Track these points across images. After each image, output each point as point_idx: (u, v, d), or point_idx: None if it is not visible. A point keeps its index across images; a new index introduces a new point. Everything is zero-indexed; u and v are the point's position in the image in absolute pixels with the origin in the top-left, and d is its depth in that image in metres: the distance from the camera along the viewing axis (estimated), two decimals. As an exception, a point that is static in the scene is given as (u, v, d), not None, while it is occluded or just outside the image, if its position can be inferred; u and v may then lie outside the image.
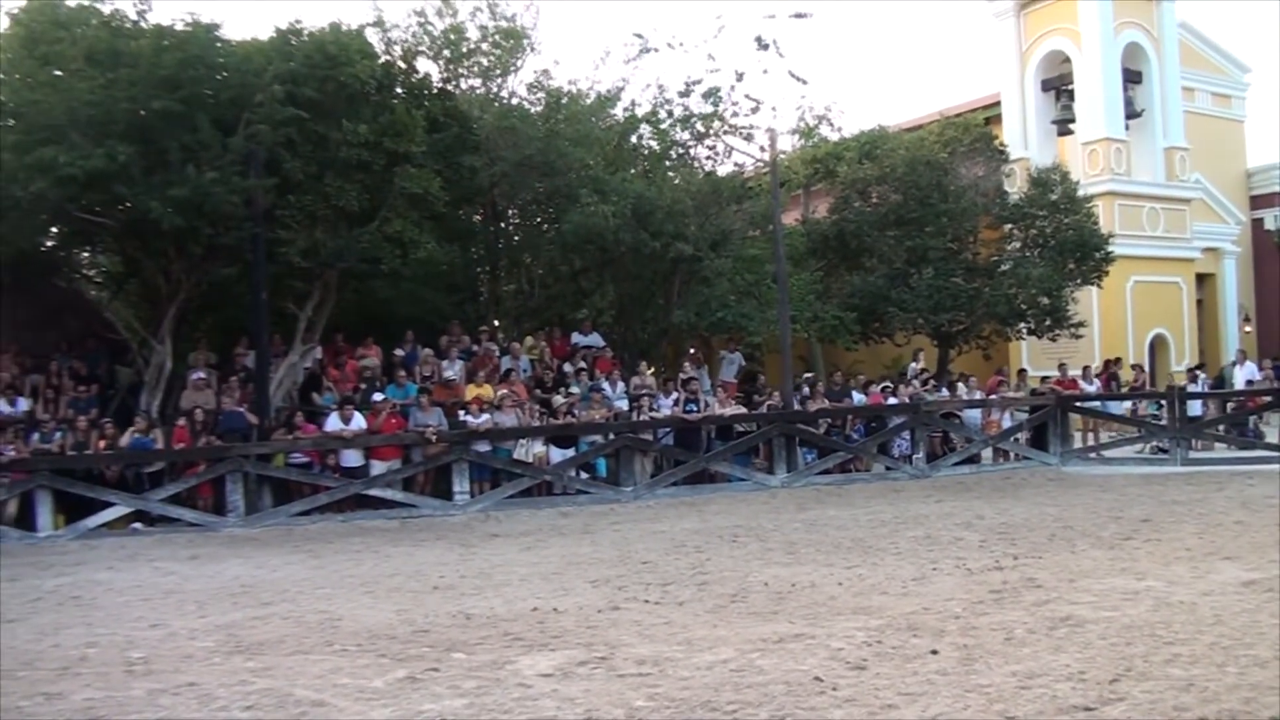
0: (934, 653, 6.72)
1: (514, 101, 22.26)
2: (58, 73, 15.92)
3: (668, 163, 23.78)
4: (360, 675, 6.79)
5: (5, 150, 15.14)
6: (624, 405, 18.00)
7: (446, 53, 21.77)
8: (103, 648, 7.94)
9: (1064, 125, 29.79)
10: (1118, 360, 24.25)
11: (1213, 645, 6.69)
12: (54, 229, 18.08)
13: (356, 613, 8.82)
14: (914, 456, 18.67)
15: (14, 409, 16.38)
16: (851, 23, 70.39)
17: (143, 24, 16.64)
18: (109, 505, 15.21)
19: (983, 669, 6.33)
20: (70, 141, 15.00)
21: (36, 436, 15.69)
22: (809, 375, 21.25)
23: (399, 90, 18.48)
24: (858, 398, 19.66)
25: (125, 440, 15.63)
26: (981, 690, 5.90)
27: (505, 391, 17.29)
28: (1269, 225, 33.49)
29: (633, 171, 22.44)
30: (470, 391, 17.29)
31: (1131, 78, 29.12)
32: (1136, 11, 29.02)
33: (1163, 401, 20.48)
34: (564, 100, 22.23)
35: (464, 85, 22.13)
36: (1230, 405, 20.80)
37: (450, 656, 7.16)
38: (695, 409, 17.87)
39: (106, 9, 16.66)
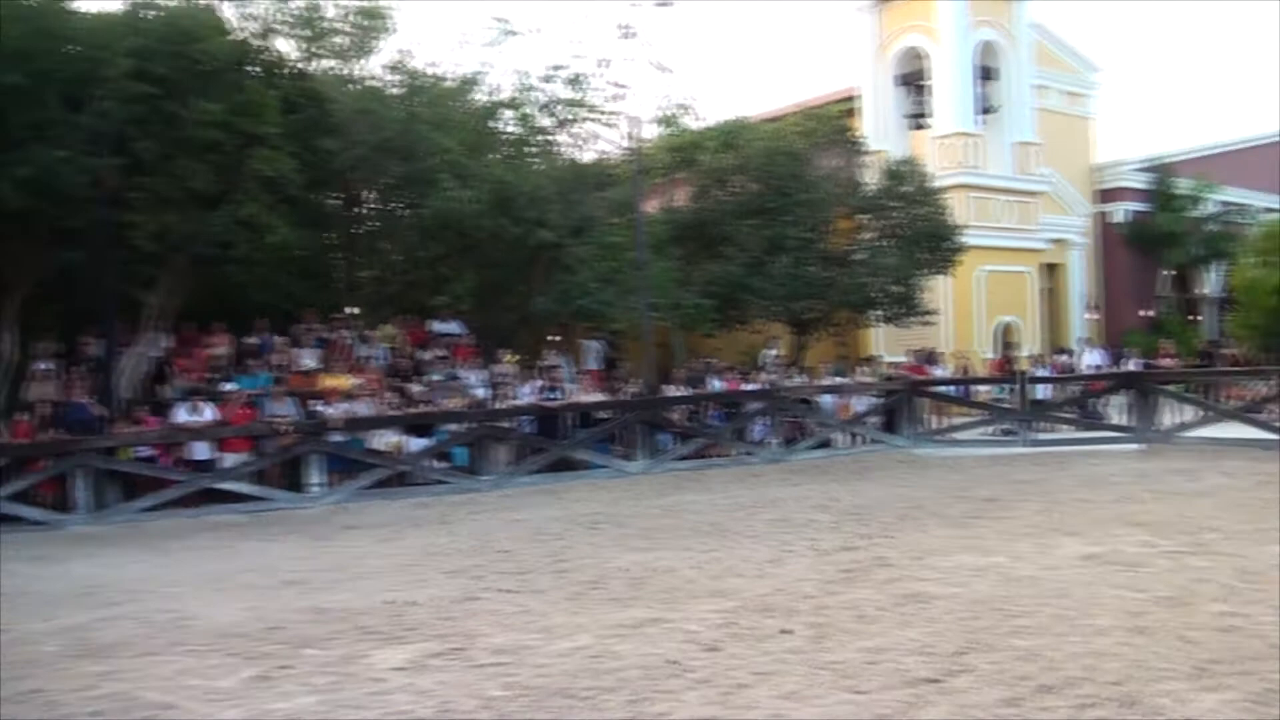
0: (786, 632, 6.85)
1: (373, 83, 21.86)
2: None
3: (529, 148, 23.65)
4: (210, 675, 6.63)
5: None
6: (484, 393, 17.88)
7: (303, 31, 21.24)
8: (-60, 653, 7.60)
9: (918, 119, 30.58)
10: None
11: (1055, 616, 6.96)
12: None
13: (207, 611, 8.59)
14: (770, 441, 18.97)
15: None
16: (714, 13, 71.03)
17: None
18: (-54, 504, 14.51)
19: (833, 646, 6.48)
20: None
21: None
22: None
23: (254, 69, 17.95)
24: (716, 384, 19.88)
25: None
26: (832, 667, 6.04)
27: (361, 380, 17.01)
28: (1115, 218, 34.92)
29: (494, 157, 22.26)
30: (325, 381, 16.96)
31: (986, 74, 30.03)
32: (991, 10, 29.91)
33: (1010, 385, 21.22)
34: (424, 83, 21.91)
35: (321, 65, 21.63)
36: (1074, 389, 21.63)
37: (302, 653, 7.03)
38: (556, 396, 17.85)
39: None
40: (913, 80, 30.68)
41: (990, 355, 28.03)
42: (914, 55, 30.39)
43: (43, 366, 16.27)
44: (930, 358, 22.79)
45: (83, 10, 16.46)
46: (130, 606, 9.02)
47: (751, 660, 6.26)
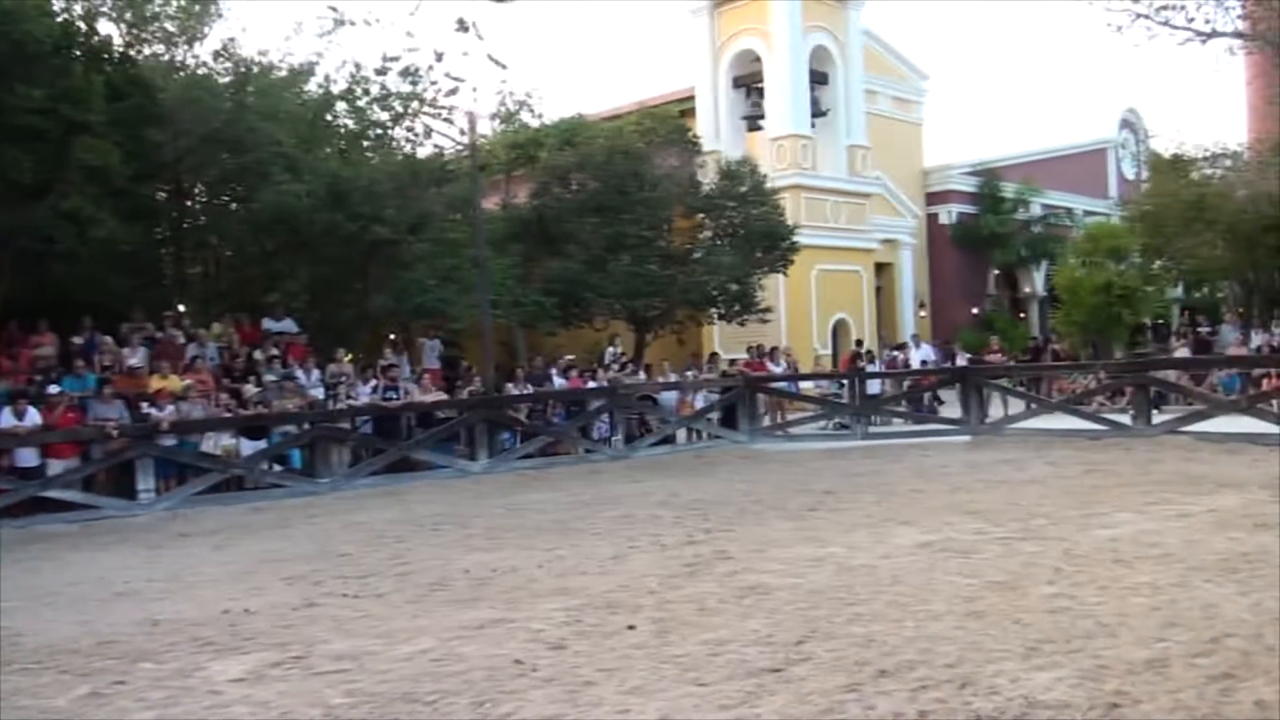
0: (631, 628, 6.92)
1: (200, 71, 21.21)
2: None
3: (365, 143, 23.30)
4: (42, 694, 6.35)
5: None
6: (320, 394, 17.53)
7: (129, 15, 20.48)
8: None
9: (754, 121, 31.14)
10: (860, 342, 25.66)
11: (891, 603, 7.19)
12: None
13: (37, 626, 8.21)
14: (613, 438, 19.10)
15: None
16: (553, 11, 71.00)
17: None
18: None
19: (677, 640, 6.57)
20: None
21: None
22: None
23: (78, 53, 17.19)
24: (558, 381, 19.91)
25: None
26: (676, 660, 6.13)
27: (191, 381, 16.49)
28: (943, 220, 36.23)
29: (328, 150, 21.86)
30: (155, 382, 16.38)
31: (818, 78, 30.76)
32: (824, 16, 30.64)
33: (844, 381, 21.82)
34: (253, 71, 21.36)
35: (147, 51, 20.89)
36: (906, 383, 22.35)
37: (137, 667, 6.80)
38: (395, 396, 17.62)
39: None
40: (748, 83, 31.24)
41: (824, 351, 28.73)
42: (749, 58, 30.95)
43: None
44: (769, 354, 23.23)
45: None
46: (-48, 624, 8.58)
47: (597, 657, 6.31)
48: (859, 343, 26.01)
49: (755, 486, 14.13)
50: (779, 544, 9.71)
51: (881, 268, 33.91)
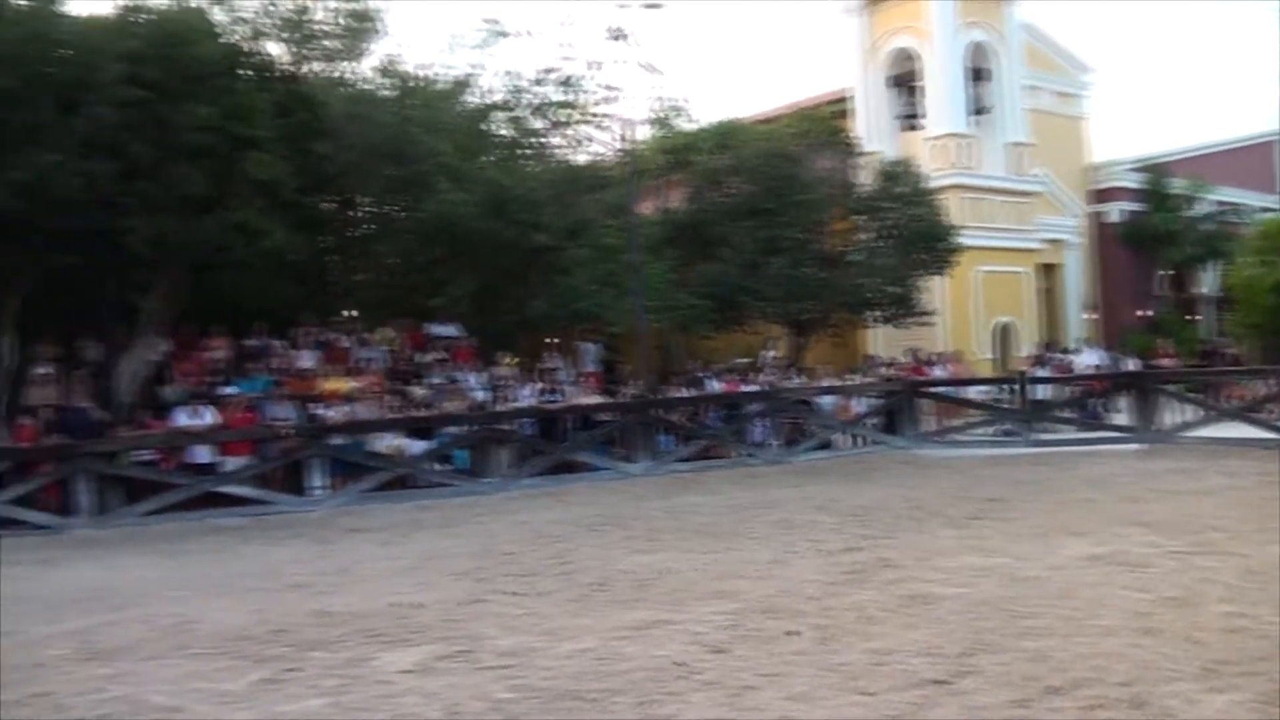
0: (792, 634, 6.85)
1: (364, 86, 21.85)
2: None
3: (523, 151, 23.66)
4: (217, 679, 6.62)
5: None
6: (483, 396, 17.88)
7: (293, 34, 21.23)
8: (-52, 659, 7.59)
9: (911, 121, 30.62)
10: (1050, 345, 25.02)
11: (1061, 617, 6.95)
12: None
13: (212, 614, 8.58)
14: (771, 442, 18.98)
15: None
16: (705, 14, 71.05)
17: (-20, -1, 15.87)
18: (-51, 510, 14.48)
19: (839, 648, 6.47)
20: (-98, 120, 14.23)
21: None
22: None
23: (245, 72, 17.90)
24: (714, 385, 19.88)
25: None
26: (838, 668, 6.04)
27: (361, 383, 17.00)
28: (1109, 218, 34.99)
29: (488, 159, 22.26)
30: (325, 384, 16.95)
31: (977, 75, 30.06)
32: (981, 11, 29.94)
33: (1011, 386, 21.27)
34: (415, 85, 21.91)
35: (312, 69, 21.63)
36: (1074, 389, 21.67)
37: (309, 656, 7.03)
38: (555, 399, 17.85)
39: (-59, -22, 15.85)
40: (904, 82, 30.72)
41: (989, 356, 28.06)
42: (905, 56, 30.43)
43: (42, 370, 16.25)
44: (932, 359, 22.80)
45: (74, 14, 16.43)
46: (135, 610, 9.00)
47: (758, 662, 6.26)
48: (1048, 345, 25.22)
49: (917, 493, 13.87)
50: (943, 552, 9.50)
51: (1046, 269, 32.92)
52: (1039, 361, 23.60)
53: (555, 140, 23.98)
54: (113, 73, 15.20)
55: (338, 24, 21.66)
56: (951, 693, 5.55)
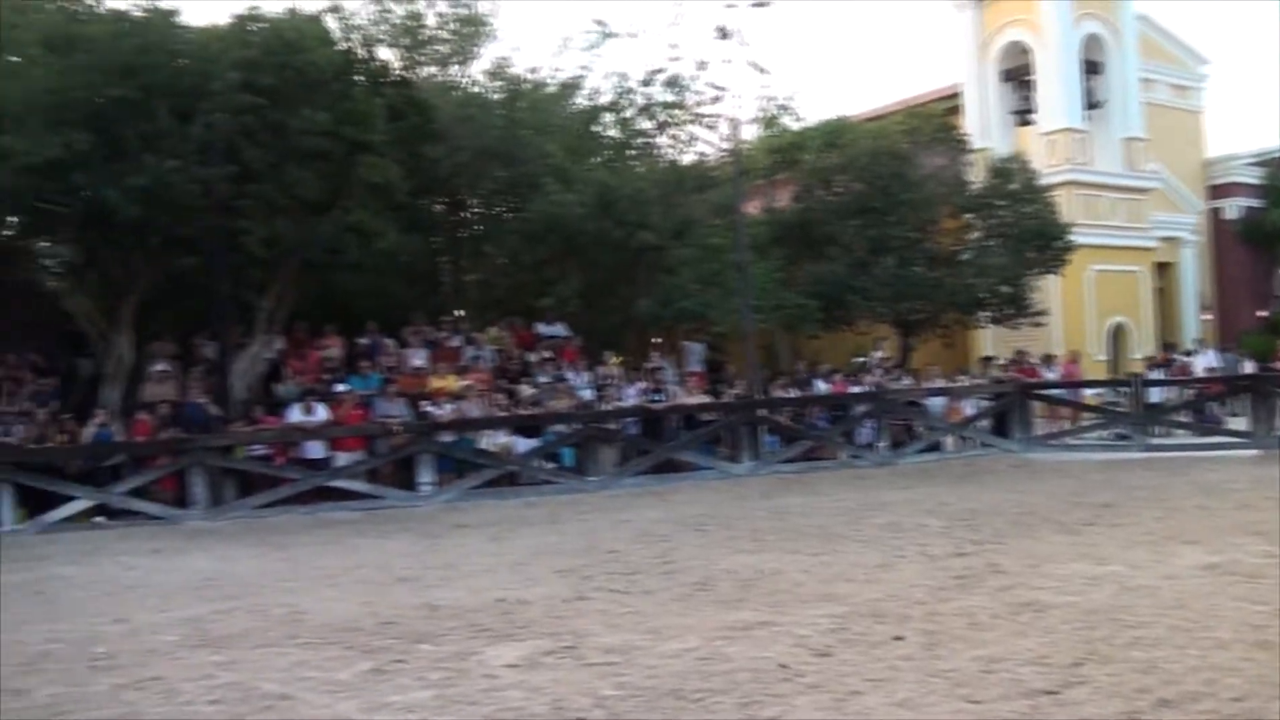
0: (898, 639, 6.75)
1: (474, 89, 22.14)
2: (13, 59, 15.70)
3: (631, 151, 23.74)
4: (326, 668, 6.75)
5: (-40, 138, 14.90)
6: (589, 395, 17.98)
7: (405, 40, 21.61)
8: (66, 643, 7.85)
9: (1024, 116, 30.04)
10: (1172, 346, 24.28)
11: (1174, 628, 6.74)
12: (11, 218, 17.84)
13: (322, 605, 8.76)
14: (878, 444, 18.77)
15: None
16: (814, 11, 70.58)
17: (99, 10, 16.43)
18: (71, 499, 15.04)
19: (946, 654, 6.36)
20: (26, 129, 14.78)
21: (-5, 430, 15.52)
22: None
23: (358, 78, 18.30)
24: (821, 386, 19.72)
25: (87, 433, 15.47)
26: (945, 675, 5.93)
27: (469, 382, 17.23)
28: (1228, 215, 33.89)
29: (596, 160, 22.38)
30: (434, 382, 17.22)
31: (1091, 69, 29.40)
32: (1095, 3, 29.30)
33: (1124, 388, 20.73)
34: (524, 88, 22.13)
35: (423, 73, 21.98)
36: (1190, 392, 21.06)
37: (416, 648, 7.13)
38: (660, 398, 17.88)
39: (63, -6, 16.47)
40: (1017, 76, 30.15)
41: (1102, 357, 27.40)
42: (1017, 50, 29.85)
43: (159, 368, 16.80)
44: (1045, 360, 22.33)
45: (190, 24, 16.95)
46: (247, 599, 9.23)
47: (864, 666, 6.18)
48: (1169, 346, 24.54)
49: (1028, 497, 13.57)
50: (1054, 559, 9.26)
51: (1161, 267, 32.02)
52: (1159, 364, 22.93)
53: (662, 140, 24.02)
54: (229, 80, 15.66)
55: (449, 29, 21.99)
56: (1060, 703, 5.41)
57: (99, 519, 15.21)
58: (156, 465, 15.57)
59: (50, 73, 15.09)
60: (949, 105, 30.30)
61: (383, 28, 21.36)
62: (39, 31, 15.57)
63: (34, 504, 15.01)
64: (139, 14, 16.23)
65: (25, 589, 10.38)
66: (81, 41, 15.50)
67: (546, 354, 18.92)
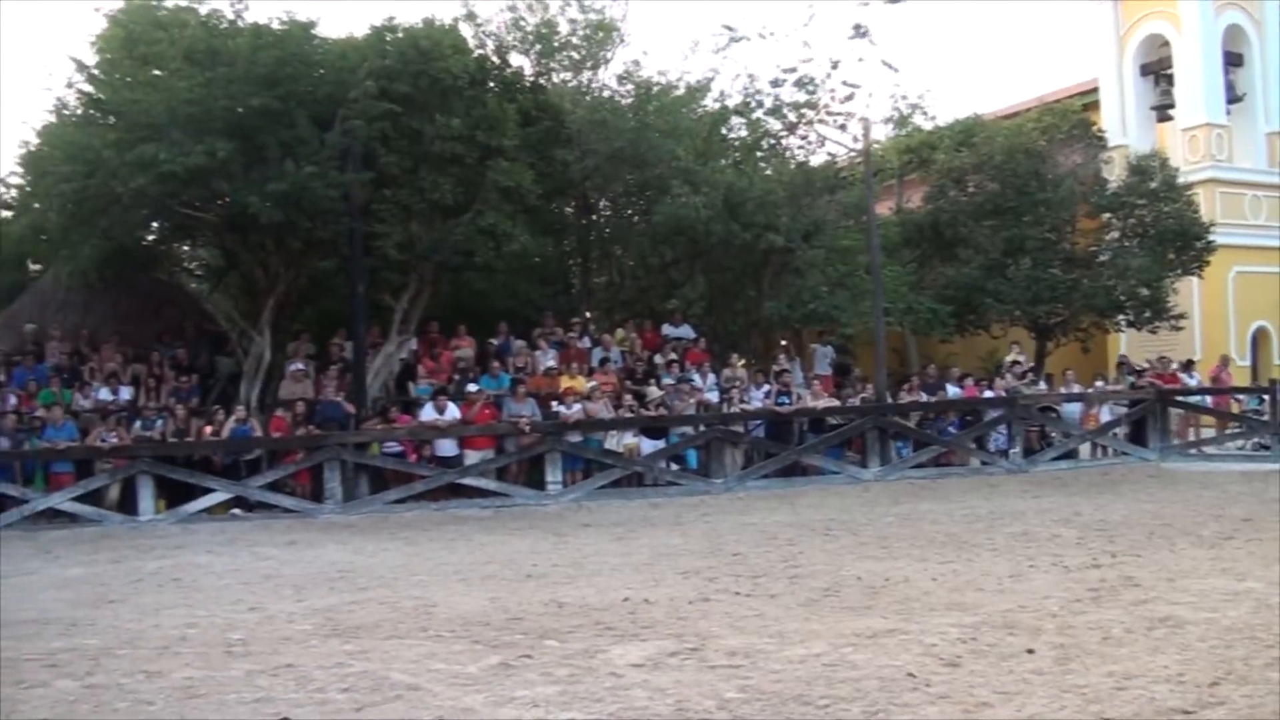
0: (1030, 651, 6.62)
1: (604, 94, 22.32)
2: (157, 72, 16.41)
3: (759, 153, 23.66)
4: (455, 661, 6.89)
5: (107, 148, 15.57)
6: (715, 397, 17.98)
7: (538, 46, 21.91)
8: (202, 628, 8.16)
9: (1163, 111, 29.07)
10: None
11: (1316, 650, 6.50)
12: (155, 224, 18.63)
13: (451, 599, 8.94)
14: (1010, 451, 18.39)
15: (117, 397, 16.91)
16: (946, 8, 69.31)
17: (240, 23, 17.06)
18: (209, 491, 15.64)
19: (1079, 669, 6.22)
20: (170, 139, 15.41)
21: (138, 424, 16.18)
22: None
23: (491, 84, 18.68)
24: (953, 390, 19.38)
25: (226, 429, 16.03)
26: (1078, 690, 5.80)
27: (597, 382, 17.38)
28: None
29: (724, 162, 22.37)
30: (563, 382, 17.41)
31: (1232, 60, 28.29)
32: (1238, -9, 28.18)
33: (1265, 397, 19.95)
34: (654, 92, 22.23)
35: (555, 79, 22.25)
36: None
37: (543, 644, 7.24)
38: (787, 401, 17.79)
39: (204, 9, 17.16)
40: (1156, 70, 29.17)
41: (1244, 363, 26.39)
42: (1157, 43, 28.87)
43: (296, 367, 17.32)
44: (1186, 365, 21.60)
45: (328, 36, 17.47)
46: (378, 591, 9.48)
47: (993, 678, 6.08)
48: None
49: (1165, 509, 13.17)
50: (1191, 574, 8.98)
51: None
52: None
53: (791, 141, 23.88)
54: (366, 89, 16.12)
55: (580, 35, 22.21)
56: (1195, 724, 5.27)
57: (236, 511, 15.78)
58: (292, 460, 16.07)
59: (193, 85, 15.71)
60: (1086, 101, 29.45)
61: (516, 35, 21.68)
62: (181, 45, 16.21)
63: (173, 496, 15.66)
64: (278, 27, 16.78)
65: (164, 576, 10.81)
66: (223, 55, 16.12)
67: (673, 355, 18.97)
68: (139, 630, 8.17)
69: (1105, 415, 19.64)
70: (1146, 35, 28.96)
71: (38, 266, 21.04)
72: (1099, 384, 20.42)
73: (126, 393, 17.13)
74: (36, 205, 18.11)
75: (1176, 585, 8.50)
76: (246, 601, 9.22)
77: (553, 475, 16.32)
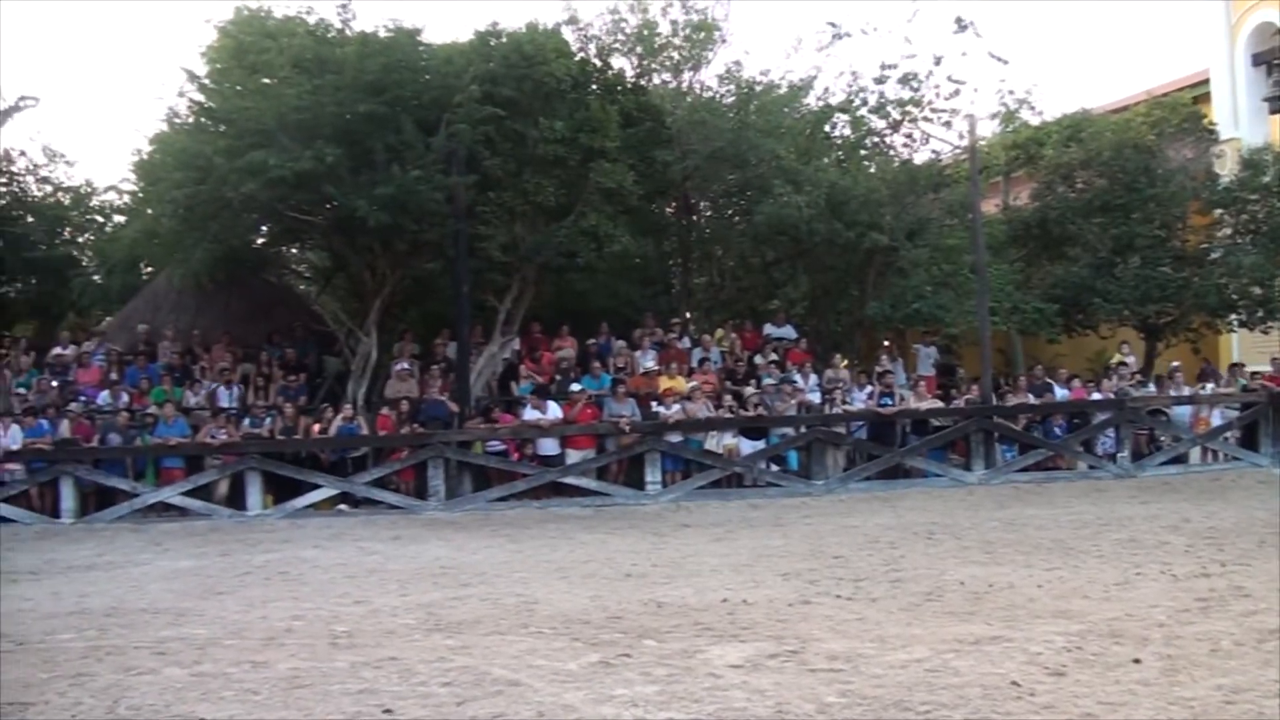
0: (1136, 661, 6.52)
1: (705, 94, 22.33)
2: (266, 80, 16.84)
3: (862, 151, 23.46)
4: (555, 658, 6.98)
5: (218, 154, 16.02)
6: (816, 398, 17.89)
7: (639, 48, 22.00)
8: (308, 621, 8.37)
9: (1277, 102, 28.12)
10: None
11: None
12: (264, 227, 19.16)
13: (552, 597, 9.05)
14: (1118, 455, 18.00)
15: (227, 394, 17.39)
16: (1054, 2, 67.95)
17: (347, 32, 17.44)
18: (316, 487, 16.03)
19: (1186, 681, 6.11)
20: (279, 145, 15.80)
21: (247, 421, 16.64)
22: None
23: (593, 87, 18.82)
24: (1060, 392, 19.01)
25: (333, 427, 16.40)
26: (1185, 703, 5.70)
27: (697, 383, 17.41)
28: None
29: (826, 161, 22.23)
30: (663, 383, 17.47)
31: (1350, 47, 27.26)
32: (1356, -27, 27.14)
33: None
34: (755, 91, 22.18)
35: (656, 80, 22.32)
36: None
37: (642, 643, 7.30)
38: (890, 402, 17.64)
39: (313, 19, 17.53)
40: (1269, 59, 28.19)
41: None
42: (1270, 32, 27.88)
43: (402, 366, 17.66)
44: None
45: (433, 42, 17.74)
46: (480, 588, 9.64)
47: (1099, 689, 6.00)
48: None
49: (1277, 516, 12.79)
50: (1305, 584, 8.75)
51: None
52: None
53: (895, 139, 23.62)
54: (470, 93, 16.37)
55: (681, 36, 22.25)
56: (1307, 738, 5.15)
57: (342, 507, 16.14)
58: (398, 458, 16.38)
59: (301, 92, 16.10)
60: (1196, 94, 28.56)
61: (617, 37, 21.80)
62: (290, 54, 16.61)
63: (281, 491, 16.08)
64: (385, 34, 17.11)
65: (270, 570, 11.12)
66: (331, 62, 16.50)
67: (773, 356, 18.91)
68: (245, 621, 8.42)
69: (1216, 419, 19.09)
70: (1258, 23, 27.98)
71: (150, 269, 21.70)
72: (1208, 386, 19.83)
73: (236, 391, 17.62)
74: (149, 211, 18.65)
75: (1289, 596, 8.27)
76: (351, 595, 9.44)
77: (652, 475, 16.39)
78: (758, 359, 18.95)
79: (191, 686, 6.61)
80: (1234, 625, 7.38)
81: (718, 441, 16.89)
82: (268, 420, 16.68)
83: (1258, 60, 28.23)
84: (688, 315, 21.71)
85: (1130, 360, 21.13)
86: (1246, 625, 7.37)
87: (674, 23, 22.16)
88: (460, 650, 7.26)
